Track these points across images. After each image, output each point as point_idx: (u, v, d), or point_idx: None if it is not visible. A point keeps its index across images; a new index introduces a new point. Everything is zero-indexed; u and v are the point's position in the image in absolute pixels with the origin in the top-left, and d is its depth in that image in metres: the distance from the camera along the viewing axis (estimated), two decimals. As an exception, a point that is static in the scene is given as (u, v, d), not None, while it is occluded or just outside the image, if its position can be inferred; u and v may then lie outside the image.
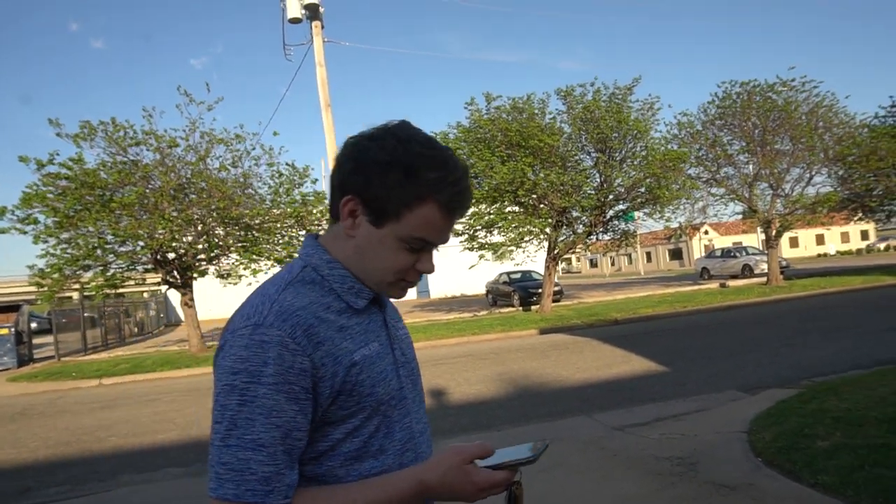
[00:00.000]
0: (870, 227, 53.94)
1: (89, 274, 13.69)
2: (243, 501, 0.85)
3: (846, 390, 5.36)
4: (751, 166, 20.44)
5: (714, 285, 23.07)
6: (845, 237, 56.86)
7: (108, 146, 13.08)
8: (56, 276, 12.89)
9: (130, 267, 14.08)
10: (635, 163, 16.66)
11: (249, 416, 0.85)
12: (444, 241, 1.00)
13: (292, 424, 0.88)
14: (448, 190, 0.95)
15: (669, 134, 19.05)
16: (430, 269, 1.01)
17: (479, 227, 17.21)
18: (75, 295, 17.06)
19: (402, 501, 0.91)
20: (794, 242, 54.72)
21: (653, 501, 3.70)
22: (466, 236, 17.44)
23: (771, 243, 20.61)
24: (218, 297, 30.04)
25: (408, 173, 0.93)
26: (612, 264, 68.66)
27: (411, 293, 35.54)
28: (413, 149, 0.94)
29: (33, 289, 14.14)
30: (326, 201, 16.00)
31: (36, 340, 20.03)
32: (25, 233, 12.32)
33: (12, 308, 18.38)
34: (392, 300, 1.07)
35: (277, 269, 13.98)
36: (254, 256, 14.64)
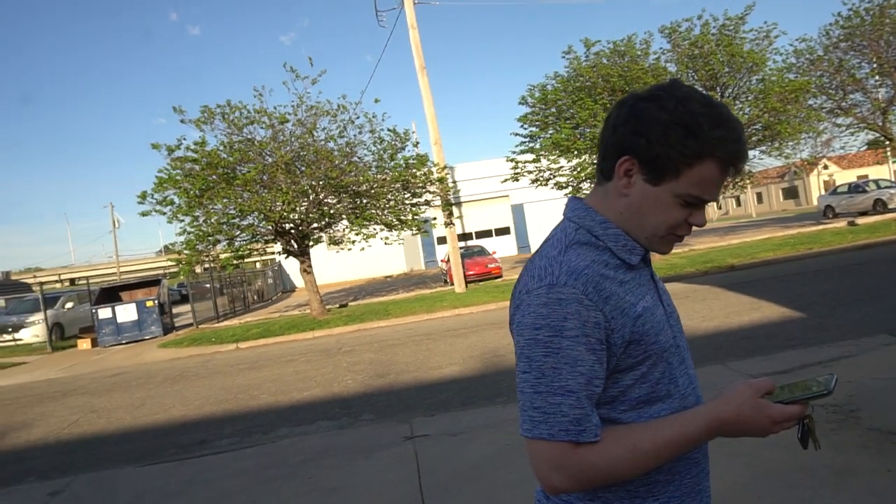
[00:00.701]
0: None
1: (219, 247, 14.82)
2: (559, 440, 0.94)
3: None
4: (883, 90, 18.50)
5: (841, 224, 21.31)
6: None
7: (225, 127, 13.94)
8: (190, 251, 14.08)
9: (254, 239, 15.09)
10: (750, 98, 15.56)
11: (555, 365, 0.95)
12: (716, 198, 1.03)
13: (592, 373, 0.96)
14: (728, 147, 0.97)
15: (785, 63, 17.54)
16: (703, 223, 1.04)
17: (584, 178, 16.84)
18: (198, 268, 18.55)
19: (699, 437, 0.97)
20: (932, 171, 49.27)
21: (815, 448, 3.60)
22: (571, 188, 17.15)
23: (909, 174, 18.70)
24: (327, 264, 31.61)
25: (689, 132, 0.96)
26: (719, 207, 65.07)
27: (512, 248, 35.56)
28: (693, 108, 0.97)
29: (163, 263, 15.56)
30: (430, 163, 16.31)
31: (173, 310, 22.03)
32: (164, 213, 13.52)
33: (150, 283, 20.16)
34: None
35: (387, 233, 14.51)
36: (364, 222, 15.20)
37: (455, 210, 18.29)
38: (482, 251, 22.75)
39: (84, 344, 17.59)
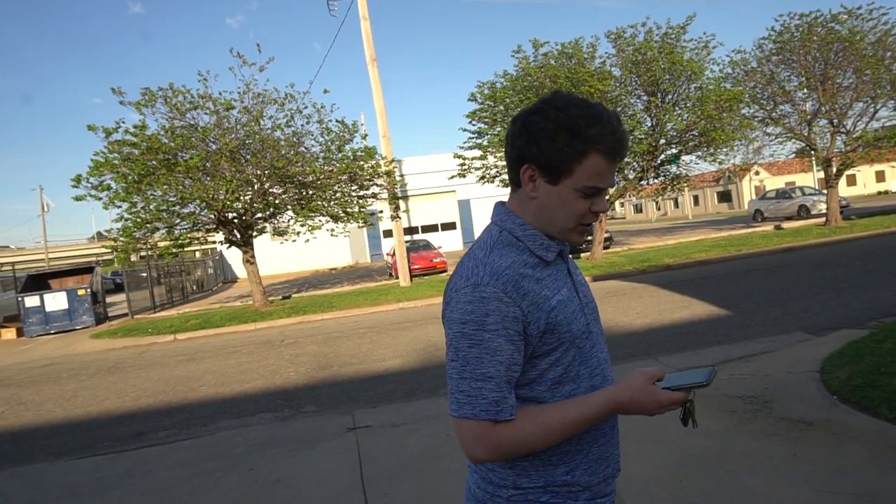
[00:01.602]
0: (936, 160, 51.04)
1: (157, 235, 14.37)
2: (480, 419, 1.10)
3: (921, 330, 5.36)
4: (809, 103, 19.60)
5: (768, 227, 22.55)
6: (908, 173, 54.10)
7: (167, 111, 13.50)
8: (126, 238, 13.58)
9: (194, 227, 14.69)
10: (688, 105, 16.22)
11: (478, 355, 1.09)
12: (611, 184, 1.19)
13: (511, 360, 1.11)
14: (607, 139, 1.12)
15: (722, 73, 18.34)
16: (605, 209, 1.20)
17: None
18: (133, 256, 17.92)
19: (599, 415, 1.14)
20: (851, 180, 52.42)
21: (732, 435, 3.88)
22: (516, 186, 17.42)
23: (831, 182, 19.91)
24: (271, 254, 31.07)
25: (573, 134, 1.11)
26: (658, 209, 67.37)
27: (457, 243, 35.84)
28: (571, 112, 1.12)
29: (96, 250, 14.96)
30: (377, 156, 16.26)
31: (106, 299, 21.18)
32: (100, 199, 12.97)
33: (82, 270, 19.37)
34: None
35: (333, 225, 14.41)
36: (309, 213, 15.04)
37: (402, 204, 18.31)
38: (428, 245, 22.86)
39: (8, 333, 16.76)
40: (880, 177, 53.87)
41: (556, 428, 1.11)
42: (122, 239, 13.65)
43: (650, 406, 1.12)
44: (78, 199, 12.95)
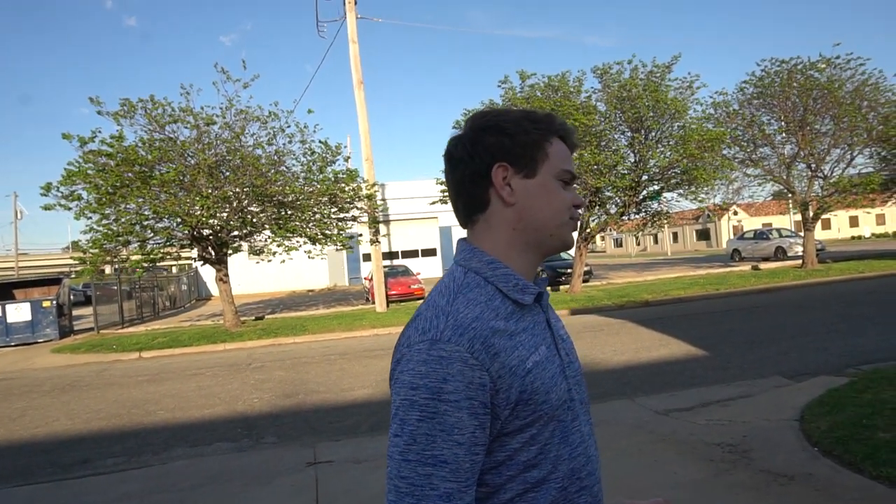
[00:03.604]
0: (908, 209, 52.30)
1: (129, 249, 13.98)
2: None
3: (901, 380, 5.25)
4: (788, 147, 19.95)
5: (746, 267, 22.71)
6: (881, 219, 55.38)
7: (147, 123, 13.24)
8: (97, 250, 13.19)
9: (168, 243, 14.33)
10: (671, 143, 16.37)
11: (429, 432, 0.85)
12: (577, 174, 1.10)
13: (473, 440, 0.87)
14: (560, 123, 1.05)
15: (705, 113, 18.62)
16: (583, 202, 1.06)
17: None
18: (107, 268, 17.45)
19: None
20: (826, 224, 53.48)
21: (710, 488, 3.69)
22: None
23: (808, 225, 20.16)
24: (247, 273, 30.57)
25: (532, 120, 1.02)
26: (638, 244, 67.94)
27: (437, 270, 35.65)
28: (517, 111, 1.05)
29: (67, 262, 14.53)
30: (359, 179, 16.09)
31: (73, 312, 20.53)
32: (70, 209, 12.60)
33: (50, 281, 18.80)
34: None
35: (310, 247, 14.12)
36: (287, 234, 14.77)
37: (382, 228, 18.11)
38: (406, 271, 22.63)
39: (-35, 344, 16.08)
40: (854, 222, 54.99)
41: None
42: (91, 251, 13.25)
43: None
44: (47, 208, 12.58)
